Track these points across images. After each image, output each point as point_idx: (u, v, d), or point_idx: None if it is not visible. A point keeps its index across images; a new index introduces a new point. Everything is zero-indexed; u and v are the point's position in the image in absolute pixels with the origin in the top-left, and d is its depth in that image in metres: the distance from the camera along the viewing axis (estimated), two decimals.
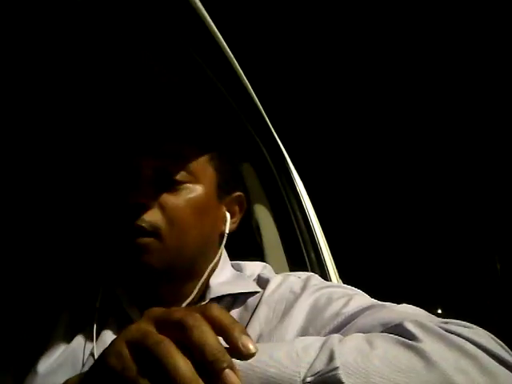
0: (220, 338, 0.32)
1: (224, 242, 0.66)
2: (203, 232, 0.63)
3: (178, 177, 0.60)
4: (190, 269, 0.62)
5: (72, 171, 0.92)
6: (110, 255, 0.66)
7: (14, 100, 0.75)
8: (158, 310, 0.34)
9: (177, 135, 0.62)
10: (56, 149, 0.89)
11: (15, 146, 0.88)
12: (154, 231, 0.57)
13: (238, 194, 0.68)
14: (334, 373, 0.40)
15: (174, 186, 0.59)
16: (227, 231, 0.66)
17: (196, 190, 0.61)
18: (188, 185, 0.60)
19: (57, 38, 0.58)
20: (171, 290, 0.62)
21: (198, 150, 0.63)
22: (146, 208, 0.57)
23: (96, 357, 0.55)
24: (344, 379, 0.40)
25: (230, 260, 0.71)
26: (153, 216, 0.57)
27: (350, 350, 0.43)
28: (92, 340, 0.59)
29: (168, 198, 0.59)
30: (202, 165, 0.62)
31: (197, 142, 0.63)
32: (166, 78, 0.66)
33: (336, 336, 0.46)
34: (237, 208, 0.68)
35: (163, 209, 0.58)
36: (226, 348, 0.31)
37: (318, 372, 0.41)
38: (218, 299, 0.61)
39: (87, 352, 0.58)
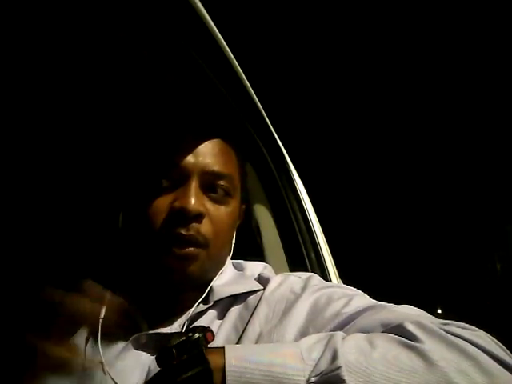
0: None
1: (231, 251, 0.69)
2: (231, 243, 0.66)
3: (224, 188, 0.61)
4: (211, 276, 0.63)
5: (89, 172, 0.92)
6: (132, 260, 0.65)
7: (25, 100, 0.75)
8: None
9: (220, 140, 0.63)
10: (75, 151, 0.89)
11: (28, 147, 0.88)
12: (205, 243, 0.58)
13: (244, 206, 0.71)
14: (336, 372, 0.41)
15: (217, 197, 0.60)
16: (233, 241, 0.68)
17: (232, 204, 0.63)
18: (228, 198, 0.62)
19: (61, 40, 0.58)
20: (185, 296, 0.61)
21: (237, 164, 0.65)
22: (202, 217, 0.57)
23: (104, 362, 0.55)
24: (346, 378, 0.40)
25: (231, 259, 0.71)
26: (207, 228, 0.58)
27: (351, 350, 0.43)
28: (92, 347, 0.58)
29: (214, 210, 0.60)
30: (238, 179, 0.64)
31: (238, 155, 0.66)
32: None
33: (339, 333, 0.47)
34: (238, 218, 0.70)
35: (211, 220, 0.59)
36: None
37: (322, 372, 0.42)
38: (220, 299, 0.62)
39: (87, 358, 0.58)
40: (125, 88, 0.71)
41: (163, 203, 0.57)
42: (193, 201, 0.56)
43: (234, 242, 0.68)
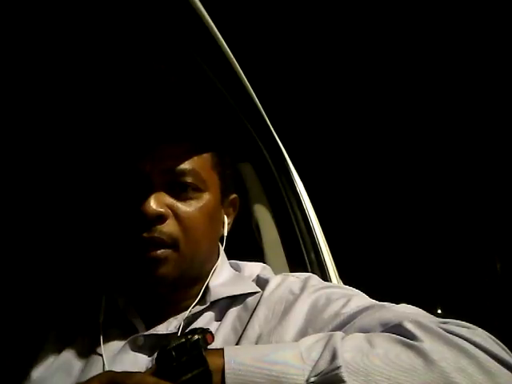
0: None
1: (224, 244, 0.68)
2: (211, 238, 0.64)
3: (189, 184, 0.60)
4: (197, 274, 0.63)
5: (74, 176, 0.91)
6: (115, 265, 0.66)
7: (20, 102, 0.75)
8: (111, 375, 0.42)
9: (185, 140, 0.61)
10: (62, 153, 0.88)
11: (18, 148, 0.87)
12: (173, 243, 0.57)
13: (233, 196, 0.70)
14: (336, 372, 0.41)
15: (185, 194, 0.60)
16: (226, 234, 0.67)
17: (205, 198, 0.61)
18: (198, 192, 0.61)
19: (59, 39, 0.58)
20: (176, 297, 0.62)
21: (206, 156, 0.63)
22: (163, 218, 0.57)
23: (106, 364, 0.56)
24: (346, 378, 0.40)
25: (229, 259, 0.71)
26: (171, 227, 0.57)
27: (351, 349, 0.43)
28: (91, 349, 0.59)
29: (182, 207, 0.59)
30: (209, 171, 0.63)
31: (205, 147, 0.63)
32: (171, 78, 0.65)
33: (339, 333, 0.47)
34: (231, 210, 0.70)
35: (178, 218, 0.58)
36: None
37: (321, 372, 0.42)
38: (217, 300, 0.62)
39: (84, 360, 0.58)
40: (130, 90, 0.70)
41: (127, 209, 0.58)
42: (151, 202, 0.56)
43: (225, 234, 0.67)
